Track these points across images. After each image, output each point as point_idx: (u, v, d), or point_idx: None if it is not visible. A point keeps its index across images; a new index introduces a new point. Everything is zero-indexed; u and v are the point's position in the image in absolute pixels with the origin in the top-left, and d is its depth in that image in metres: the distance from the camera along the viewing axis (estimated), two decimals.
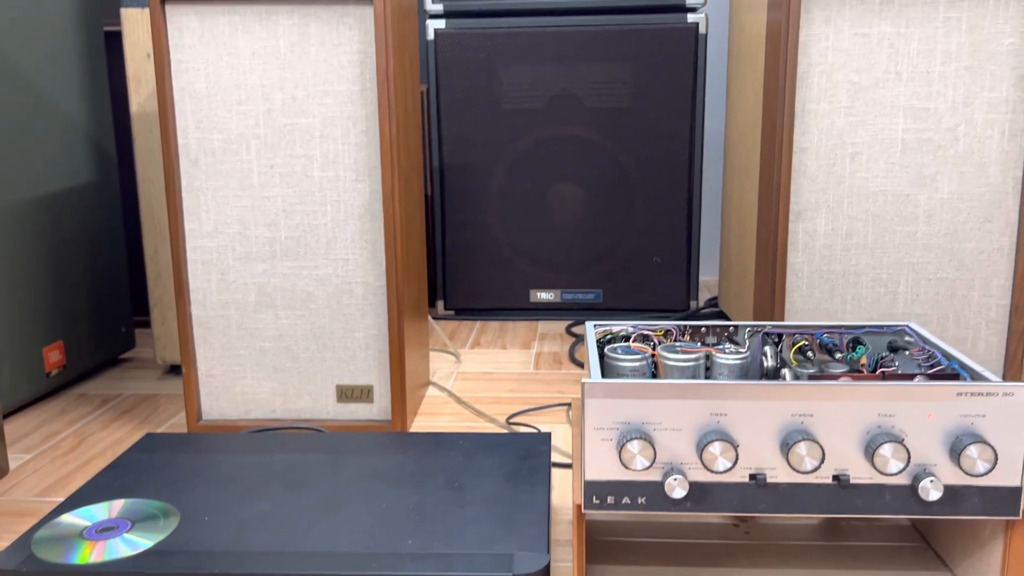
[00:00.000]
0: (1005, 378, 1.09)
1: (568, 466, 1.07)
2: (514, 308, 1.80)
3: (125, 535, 0.75)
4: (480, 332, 1.72)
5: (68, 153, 1.37)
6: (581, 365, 1.50)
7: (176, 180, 1.11)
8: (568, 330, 1.72)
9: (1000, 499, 0.66)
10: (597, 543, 0.85)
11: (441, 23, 1.67)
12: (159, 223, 1.36)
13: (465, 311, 1.82)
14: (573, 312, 1.80)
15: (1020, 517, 0.67)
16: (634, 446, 0.66)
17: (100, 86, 1.45)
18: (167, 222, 1.31)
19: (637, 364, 0.79)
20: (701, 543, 0.85)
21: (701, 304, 1.92)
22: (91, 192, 1.43)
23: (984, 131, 1.04)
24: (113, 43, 1.60)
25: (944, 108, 1.04)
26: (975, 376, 0.70)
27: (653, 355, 0.82)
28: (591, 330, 0.86)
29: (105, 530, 0.76)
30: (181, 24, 1.09)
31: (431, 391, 1.36)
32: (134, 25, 1.31)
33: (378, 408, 1.17)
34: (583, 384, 0.67)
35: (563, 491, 1.00)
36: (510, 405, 1.29)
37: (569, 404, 1.29)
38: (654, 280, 1.76)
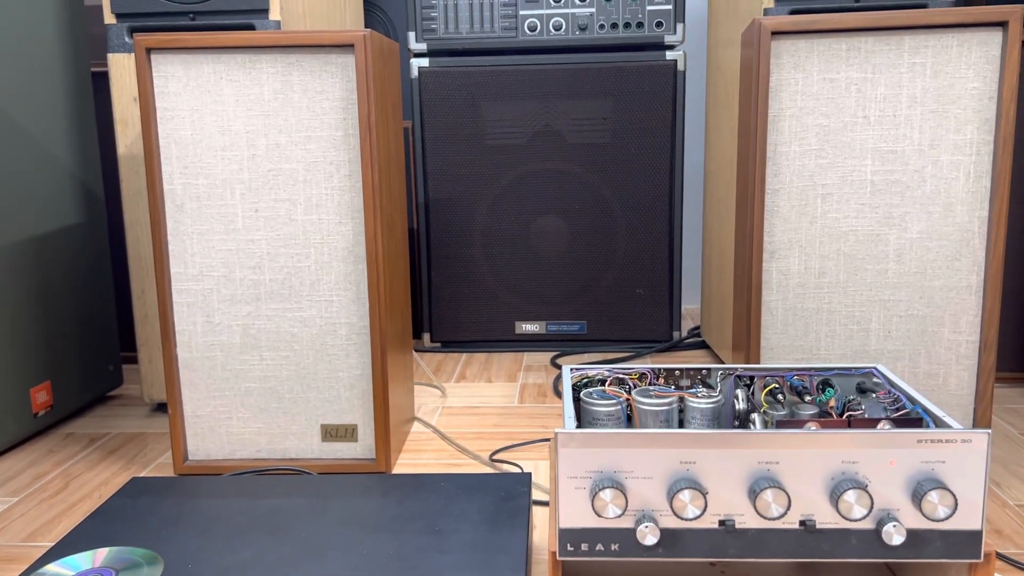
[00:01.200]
0: (976, 413, 1.11)
1: (548, 503, 1.08)
2: (499, 340, 1.82)
3: None
4: (466, 364, 1.74)
5: (55, 194, 1.39)
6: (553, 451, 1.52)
7: (162, 225, 1.13)
8: (553, 361, 1.74)
9: (961, 543, 0.68)
10: None
11: (425, 61, 1.70)
12: (146, 264, 1.38)
13: (451, 343, 1.84)
14: (558, 343, 1.82)
15: (982, 560, 0.69)
16: (607, 495, 0.68)
17: (87, 127, 1.47)
18: (154, 272, 1.33)
19: (612, 409, 0.81)
20: None
21: (684, 334, 1.94)
22: (78, 233, 1.44)
23: (950, 172, 1.07)
24: (100, 84, 1.62)
25: (911, 150, 1.07)
26: (937, 422, 0.72)
27: (628, 400, 0.84)
28: (567, 374, 0.88)
29: None
30: (166, 72, 1.11)
31: (416, 427, 1.38)
32: (121, 70, 1.33)
33: (362, 447, 1.19)
34: (556, 434, 0.69)
35: (544, 529, 1.01)
36: (494, 440, 1.31)
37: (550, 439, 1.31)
38: (637, 311, 1.78)
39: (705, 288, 1.83)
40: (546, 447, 1.28)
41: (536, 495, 1.10)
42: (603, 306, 1.79)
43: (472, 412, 1.44)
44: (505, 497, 0.93)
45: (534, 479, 1.15)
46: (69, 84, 1.42)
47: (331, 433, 1.18)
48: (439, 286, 1.80)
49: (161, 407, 1.49)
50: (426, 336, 1.83)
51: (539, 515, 1.05)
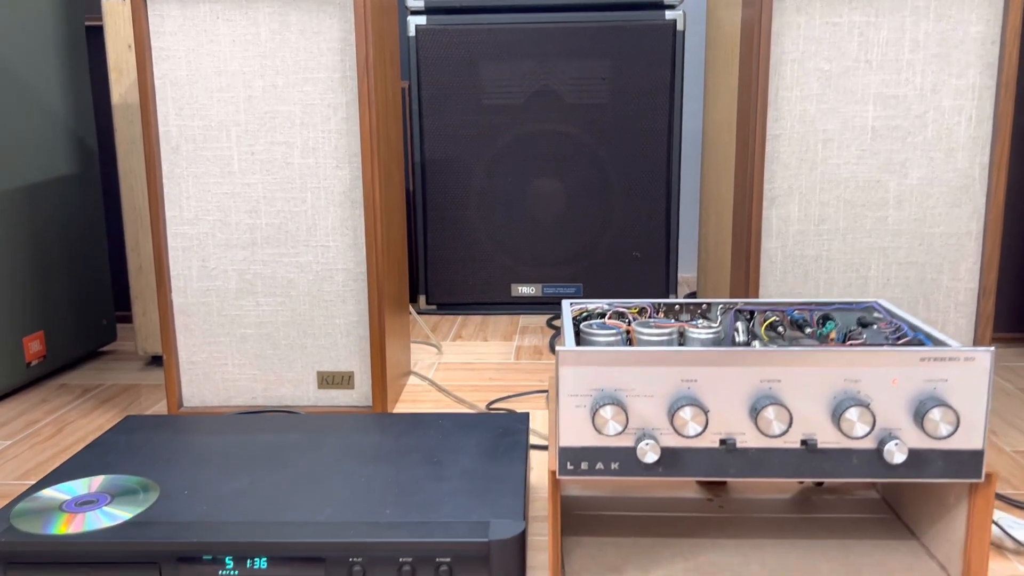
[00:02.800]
0: None
1: (545, 447, 1.08)
2: (495, 302, 1.82)
3: (104, 508, 0.75)
4: (462, 325, 1.73)
5: (49, 146, 1.37)
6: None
7: (157, 167, 1.12)
8: (549, 323, 1.73)
9: (963, 462, 0.68)
10: (574, 517, 0.86)
11: (422, 19, 1.69)
12: (141, 215, 1.37)
13: (447, 305, 1.83)
14: (554, 306, 1.82)
15: (982, 480, 0.68)
16: (607, 412, 0.68)
17: (81, 79, 1.45)
18: (148, 213, 1.32)
19: (612, 339, 0.81)
20: (675, 516, 0.86)
21: (681, 298, 1.93)
22: (72, 184, 1.43)
23: (952, 118, 1.07)
24: (94, 38, 1.61)
25: (913, 95, 1.07)
26: (939, 344, 0.72)
27: (628, 331, 0.83)
28: (567, 308, 0.87)
29: (84, 503, 0.76)
30: (162, 11, 1.10)
31: (412, 380, 1.37)
32: (115, 16, 1.32)
33: (359, 394, 1.18)
34: (557, 352, 0.69)
35: (541, 471, 1.01)
36: (490, 392, 1.30)
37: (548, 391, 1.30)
38: (634, 274, 1.78)
39: (702, 253, 1.83)
40: (543, 399, 1.27)
41: (534, 440, 1.10)
42: (599, 269, 1.78)
43: (468, 368, 1.44)
44: (503, 434, 0.92)
45: (532, 427, 1.15)
46: (62, 35, 1.40)
47: (327, 380, 1.18)
48: (435, 248, 1.79)
49: (156, 360, 1.48)
50: (422, 298, 1.83)
51: (536, 458, 1.05)
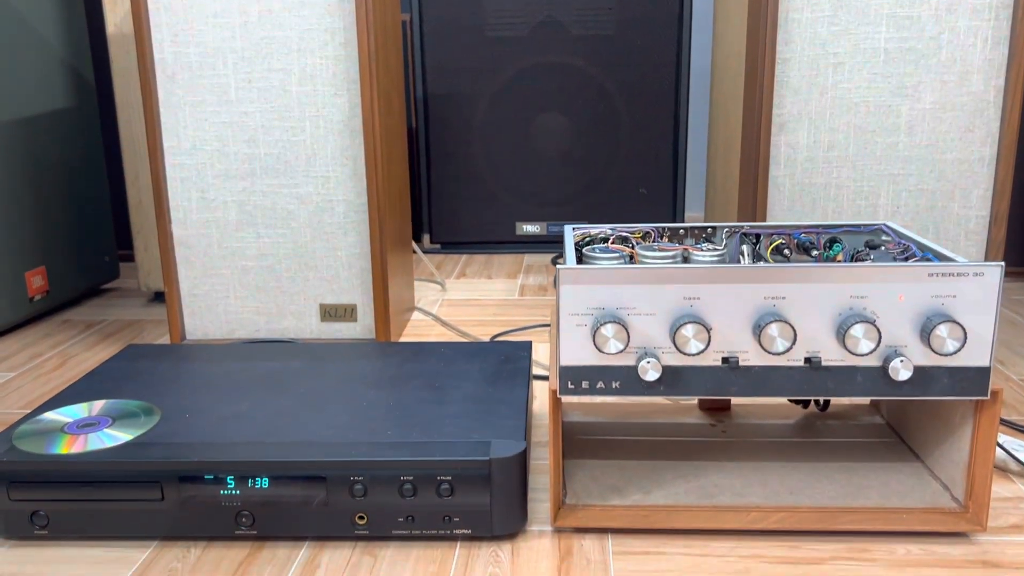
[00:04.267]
0: None
1: (548, 378, 1.07)
2: (500, 241, 1.80)
3: (106, 430, 0.75)
4: (466, 264, 1.72)
5: (44, 78, 1.35)
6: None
7: (153, 95, 1.10)
8: (554, 261, 1.72)
9: (969, 379, 0.67)
10: (576, 441, 0.86)
11: None
12: (139, 148, 1.35)
13: (451, 244, 1.82)
14: (559, 244, 1.80)
15: (988, 397, 0.68)
16: (608, 330, 0.67)
17: (75, 9, 1.42)
18: (146, 145, 1.30)
19: (615, 262, 0.79)
20: (677, 440, 0.86)
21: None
22: (69, 118, 1.41)
23: (967, 39, 1.03)
24: None
25: (927, 16, 1.03)
26: (947, 261, 0.71)
27: (631, 255, 0.82)
28: (569, 232, 0.86)
29: (86, 425, 0.76)
30: None
31: (416, 315, 1.37)
32: None
33: (362, 327, 1.18)
34: (558, 270, 0.68)
35: (544, 401, 1.01)
36: (494, 327, 1.30)
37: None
38: (640, 211, 1.76)
39: (710, 190, 1.80)
40: (546, 333, 1.27)
41: (536, 371, 1.10)
42: (605, 206, 1.76)
43: (472, 304, 1.43)
44: (505, 361, 0.92)
45: (535, 358, 1.14)
46: None
47: (330, 313, 1.17)
48: (438, 185, 1.77)
49: (159, 296, 1.48)
50: (426, 237, 1.81)
51: (539, 388, 1.05)
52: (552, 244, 1.81)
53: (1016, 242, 1.50)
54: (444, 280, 1.59)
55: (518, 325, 1.30)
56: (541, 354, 1.17)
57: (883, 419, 0.90)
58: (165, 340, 1.26)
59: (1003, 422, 0.92)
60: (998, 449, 0.82)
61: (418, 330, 1.29)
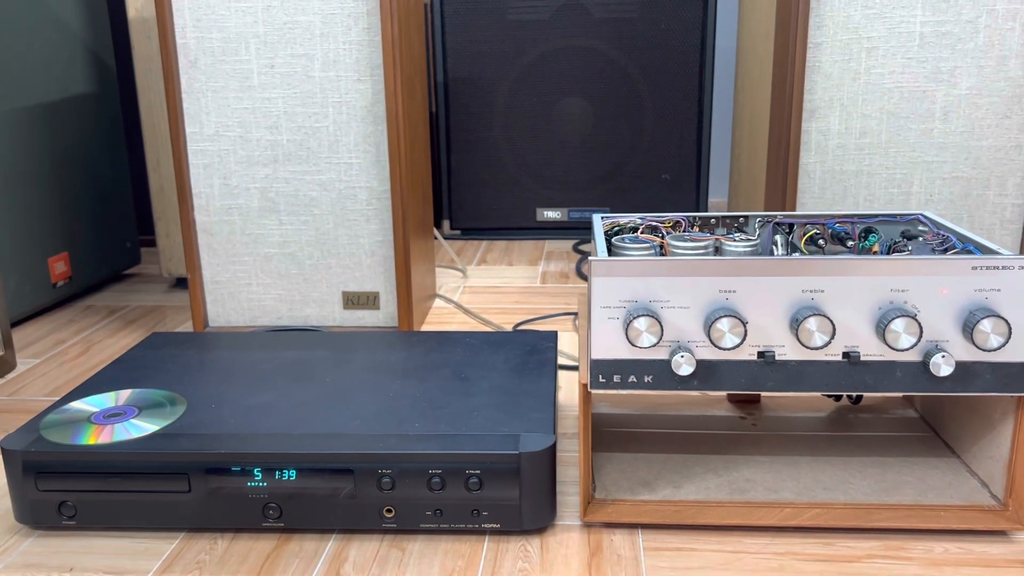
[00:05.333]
0: None
1: (574, 368, 1.06)
2: (520, 227, 1.79)
3: (132, 420, 0.75)
4: (487, 250, 1.71)
5: (66, 63, 1.34)
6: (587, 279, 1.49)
7: (176, 81, 1.09)
8: (575, 248, 1.70)
9: (1013, 375, 0.65)
10: (605, 434, 0.85)
11: None
12: (161, 133, 1.34)
13: (471, 230, 1.80)
14: (580, 231, 1.79)
15: None
16: (641, 323, 0.65)
17: None
18: (168, 132, 1.29)
19: (645, 252, 0.78)
20: (707, 433, 0.85)
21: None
22: (91, 103, 1.40)
23: (1005, 23, 1.01)
24: None
25: None
26: (990, 253, 0.69)
27: (661, 244, 0.80)
28: (598, 222, 0.84)
29: (112, 416, 0.76)
30: None
31: (437, 303, 1.36)
32: None
33: (384, 315, 1.17)
34: (590, 262, 0.66)
35: (569, 391, 1.00)
36: (516, 315, 1.28)
37: (576, 314, 1.28)
38: (663, 197, 1.74)
39: (734, 175, 1.78)
40: (570, 321, 1.26)
41: (561, 360, 1.08)
42: (627, 192, 1.74)
43: (494, 291, 1.42)
44: (531, 351, 0.91)
45: (559, 347, 1.13)
46: None
47: (353, 300, 1.16)
48: (459, 171, 1.75)
49: (180, 282, 1.48)
50: (446, 223, 1.80)
51: (564, 378, 1.04)
52: (573, 230, 1.79)
53: None
54: (465, 267, 1.58)
55: (540, 313, 1.29)
56: (564, 343, 1.15)
57: (917, 413, 0.88)
58: (187, 326, 1.26)
59: None
60: None
61: (440, 318, 1.28)
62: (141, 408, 0.77)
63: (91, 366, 1.11)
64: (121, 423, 0.74)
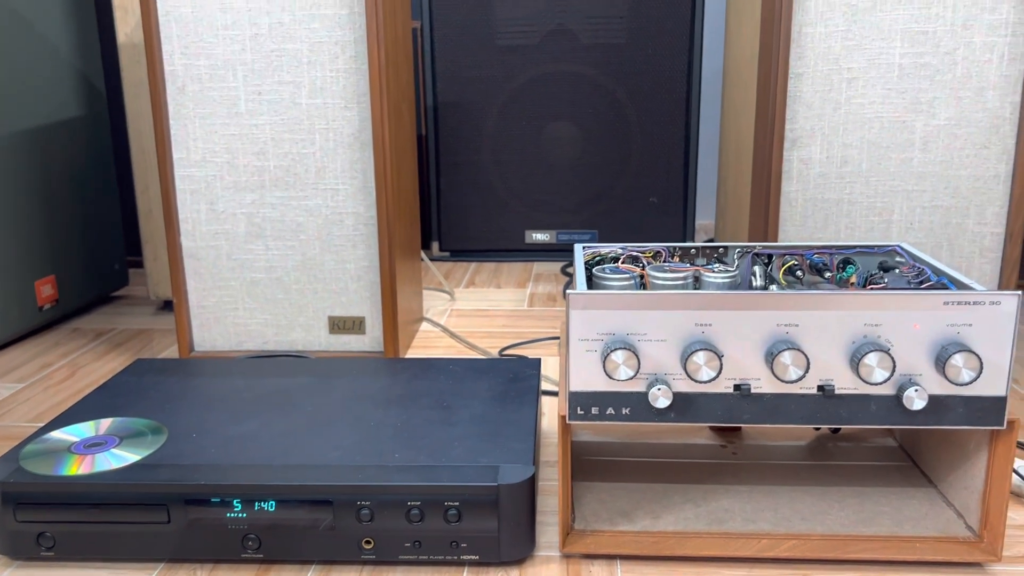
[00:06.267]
0: None
1: (557, 393, 1.07)
2: (509, 249, 1.80)
3: (113, 450, 0.75)
4: (475, 272, 1.72)
5: (56, 87, 1.35)
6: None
7: (163, 107, 1.10)
8: (563, 270, 1.71)
9: (985, 409, 0.66)
10: (585, 462, 0.85)
11: None
12: (149, 157, 1.35)
13: (460, 252, 1.81)
14: (568, 253, 1.80)
15: (1004, 427, 0.67)
16: (618, 356, 0.66)
17: (87, 19, 1.42)
18: (156, 157, 1.30)
19: (625, 283, 0.79)
20: (688, 462, 0.85)
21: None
22: (80, 126, 1.41)
23: (983, 55, 1.02)
24: None
25: (943, 31, 1.02)
26: (963, 289, 0.70)
27: (641, 275, 0.81)
28: (579, 251, 0.85)
29: (93, 445, 0.76)
30: None
31: (424, 326, 1.36)
32: None
33: (370, 339, 1.17)
34: (568, 295, 0.67)
35: (553, 417, 1.00)
36: (503, 339, 1.29)
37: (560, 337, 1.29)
38: (650, 220, 1.75)
39: (720, 198, 1.79)
40: (555, 345, 1.26)
41: (545, 386, 1.09)
42: (615, 215, 1.75)
43: (481, 314, 1.42)
44: (514, 379, 0.91)
45: (543, 373, 1.14)
46: None
47: (338, 325, 1.17)
48: (448, 193, 1.76)
49: (168, 305, 1.48)
50: (435, 245, 1.81)
51: (548, 404, 1.04)
52: (562, 252, 1.80)
53: None
54: (453, 289, 1.58)
55: (527, 336, 1.29)
56: (550, 368, 1.16)
57: (896, 441, 0.89)
58: (174, 350, 1.26)
59: (1019, 445, 0.91)
60: (1013, 475, 0.81)
61: (427, 342, 1.29)
62: (122, 437, 0.77)
63: (76, 390, 1.11)
64: (102, 453, 0.74)
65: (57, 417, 0.82)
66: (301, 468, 0.71)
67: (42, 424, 1.01)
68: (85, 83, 1.42)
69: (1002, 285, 1.07)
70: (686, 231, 1.76)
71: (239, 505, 0.69)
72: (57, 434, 0.78)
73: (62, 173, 1.37)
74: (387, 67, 1.07)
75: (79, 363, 1.22)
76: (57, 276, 1.36)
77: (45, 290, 1.33)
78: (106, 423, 0.81)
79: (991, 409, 0.66)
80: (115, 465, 0.72)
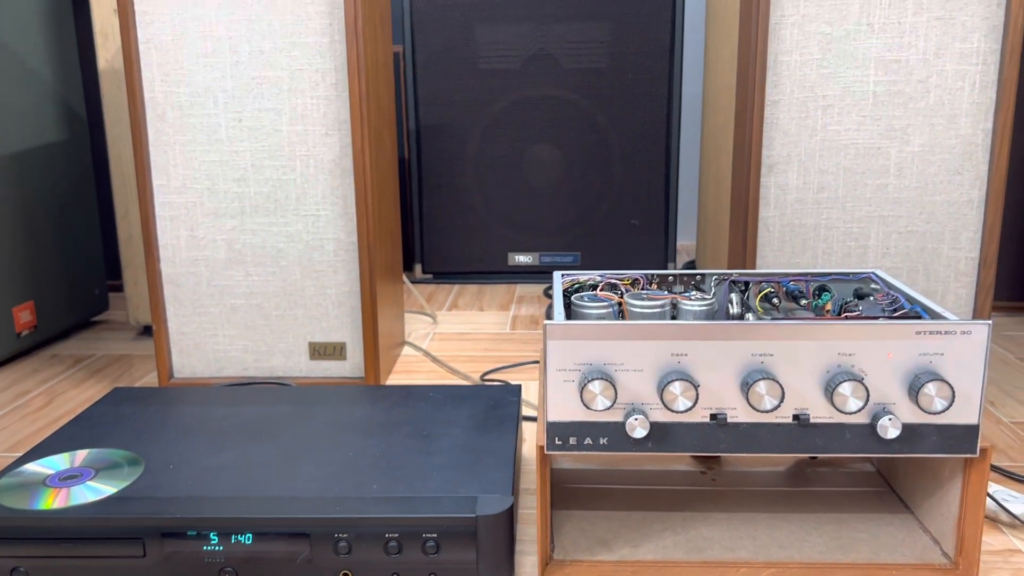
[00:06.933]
0: None
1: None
2: (492, 271, 1.80)
3: (88, 482, 0.74)
4: (458, 295, 1.72)
5: (36, 112, 1.35)
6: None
7: (143, 134, 1.10)
8: (546, 292, 1.72)
9: (957, 437, 0.67)
10: (564, 490, 0.85)
11: None
12: (130, 183, 1.35)
13: (443, 274, 1.81)
14: (551, 275, 1.80)
15: (977, 455, 0.67)
16: (595, 386, 0.66)
17: (68, 44, 1.42)
18: (136, 184, 1.30)
19: (603, 311, 0.79)
20: (667, 489, 0.85)
21: (679, 266, 1.92)
22: (61, 152, 1.41)
23: (955, 83, 1.04)
24: (80, 0, 1.57)
25: (915, 60, 1.04)
26: (936, 317, 0.71)
27: (620, 303, 0.82)
28: (558, 279, 0.85)
29: (69, 478, 0.75)
30: None
31: (406, 351, 1.36)
32: None
33: (351, 365, 1.17)
34: (545, 326, 0.67)
35: (534, 443, 1.00)
36: (485, 363, 1.29)
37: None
38: (632, 242, 1.76)
39: (701, 220, 1.80)
40: (537, 369, 1.26)
41: (526, 412, 1.09)
42: (597, 237, 1.76)
43: (464, 338, 1.43)
44: (494, 406, 0.91)
45: (525, 398, 1.14)
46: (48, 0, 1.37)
47: (319, 351, 1.17)
48: (430, 216, 1.77)
49: (148, 330, 1.47)
50: (418, 267, 1.81)
51: (529, 429, 1.04)
52: (544, 274, 1.80)
53: (1008, 277, 1.50)
54: (435, 312, 1.58)
55: (510, 360, 1.30)
56: (532, 392, 1.16)
57: (873, 466, 0.89)
58: (153, 377, 1.25)
59: (994, 468, 0.92)
60: (988, 500, 0.82)
61: (408, 366, 1.29)
62: (98, 469, 0.77)
63: (54, 418, 1.10)
64: (77, 485, 0.74)
65: (32, 449, 0.81)
66: (278, 500, 0.71)
67: (19, 454, 1.00)
68: (66, 108, 1.42)
69: (977, 309, 1.08)
70: (667, 253, 1.77)
71: (216, 538, 0.69)
72: (32, 466, 0.78)
73: (42, 198, 1.36)
74: (368, 94, 1.08)
75: (57, 390, 1.21)
76: (36, 302, 1.35)
77: (23, 316, 1.32)
78: (82, 454, 0.80)
79: (964, 437, 0.67)
80: (91, 498, 0.72)
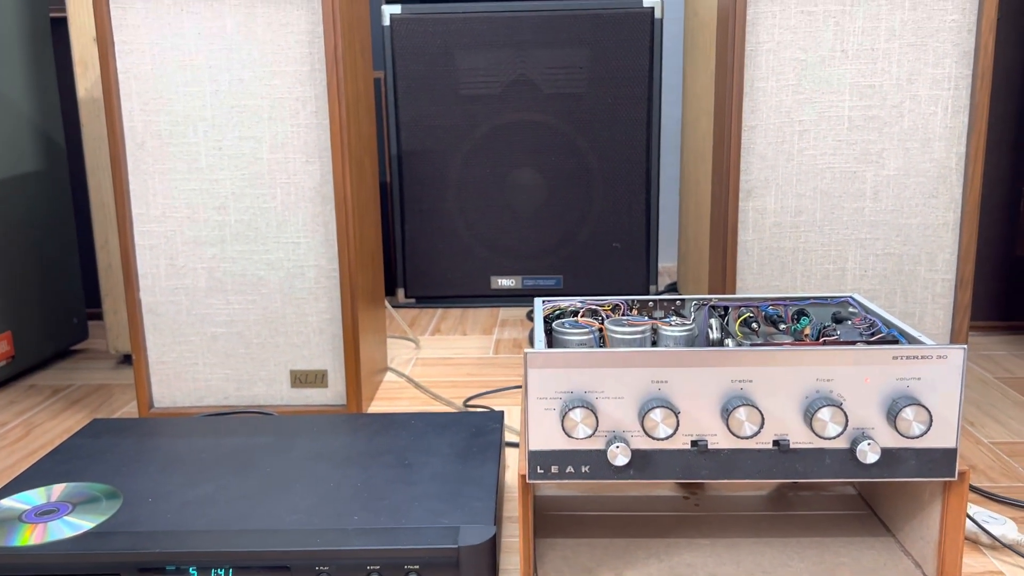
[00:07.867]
0: None
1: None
2: (475, 295, 1.80)
3: (66, 518, 0.73)
4: (441, 319, 1.72)
5: (14, 141, 1.34)
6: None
7: (122, 163, 1.10)
8: (529, 316, 1.72)
9: (936, 460, 0.67)
10: (547, 518, 0.85)
11: (397, 8, 1.66)
12: (109, 212, 1.34)
13: (426, 299, 1.81)
14: (533, 298, 1.80)
15: (955, 478, 0.68)
16: (576, 415, 0.66)
17: (46, 73, 1.42)
18: (115, 214, 1.29)
19: (584, 338, 0.79)
20: (650, 515, 0.85)
21: (661, 289, 1.93)
22: (39, 181, 1.40)
23: (928, 107, 1.06)
24: (58, 30, 1.57)
25: (889, 85, 1.05)
26: (912, 342, 0.71)
27: (600, 329, 0.82)
28: (539, 306, 0.86)
29: (45, 513, 0.74)
30: (124, 3, 1.07)
31: (389, 376, 1.36)
32: (79, 8, 1.29)
33: (333, 393, 1.16)
34: (525, 354, 0.67)
35: (517, 468, 1.00)
36: (468, 389, 1.29)
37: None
38: (614, 265, 1.76)
39: (682, 243, 1.82)
40: (519, 394, 1.26)
41: (509, 437, 1.09)
42: (579, 260, 1.77)
43: (446, 363, 1.42)
44: (476, 434, 0.91)
45: (508, 423, 1.14)
46: (26, 27, 1.37)
47: (300, 379, 1.16)
48: (413, 240, 1.77)
49: (127, 359, 1.46)
50: (400, 292, 1.81)
51: (512, 456, 1.04)
52: (527, 297, 1.81)
53: (985, 297, 1.52)
54: (418, 337, 1.58)
55: (493, 385, 1.29)
56: (514, 417, 1.16)
57: (855, 489, 0.89)
58: (133, 407, 1.24)
59: (973, 489, 0.92)
60: (968, 522, 0.82)
61: (391, 393, 1.28)
62: (75, 504, 0.76)
63: (30, 451, 1.09)
64: (54, 521, 0.73)
65: (8, 483, 0.80)
66: (258, 533, 0.70)
67: None
68: (44, 137, 1.41)
69: (955, 330, 1.09)
70: (649, 275, 1.78)
71: (195, 573, 0.68)
72: (8, 502, 0.77)
73: (20, 227, 1.35)
74: (348, 122, 1.08)
75: (34, 422, 1.19)
76: (14, 332, 1.34)
77: (0, 347, 1.31)
78: (59, 488, 0.79)
79: (942, 461, 0.67)
80: (68, 533, 0.71)
